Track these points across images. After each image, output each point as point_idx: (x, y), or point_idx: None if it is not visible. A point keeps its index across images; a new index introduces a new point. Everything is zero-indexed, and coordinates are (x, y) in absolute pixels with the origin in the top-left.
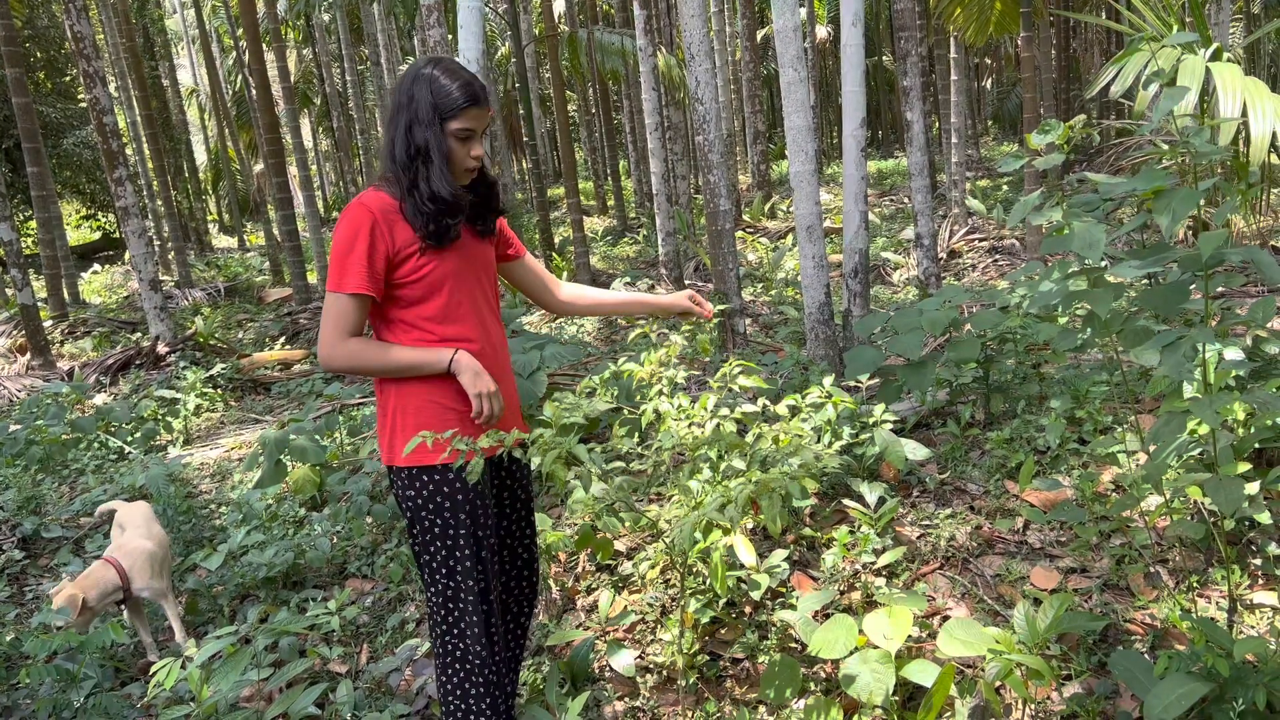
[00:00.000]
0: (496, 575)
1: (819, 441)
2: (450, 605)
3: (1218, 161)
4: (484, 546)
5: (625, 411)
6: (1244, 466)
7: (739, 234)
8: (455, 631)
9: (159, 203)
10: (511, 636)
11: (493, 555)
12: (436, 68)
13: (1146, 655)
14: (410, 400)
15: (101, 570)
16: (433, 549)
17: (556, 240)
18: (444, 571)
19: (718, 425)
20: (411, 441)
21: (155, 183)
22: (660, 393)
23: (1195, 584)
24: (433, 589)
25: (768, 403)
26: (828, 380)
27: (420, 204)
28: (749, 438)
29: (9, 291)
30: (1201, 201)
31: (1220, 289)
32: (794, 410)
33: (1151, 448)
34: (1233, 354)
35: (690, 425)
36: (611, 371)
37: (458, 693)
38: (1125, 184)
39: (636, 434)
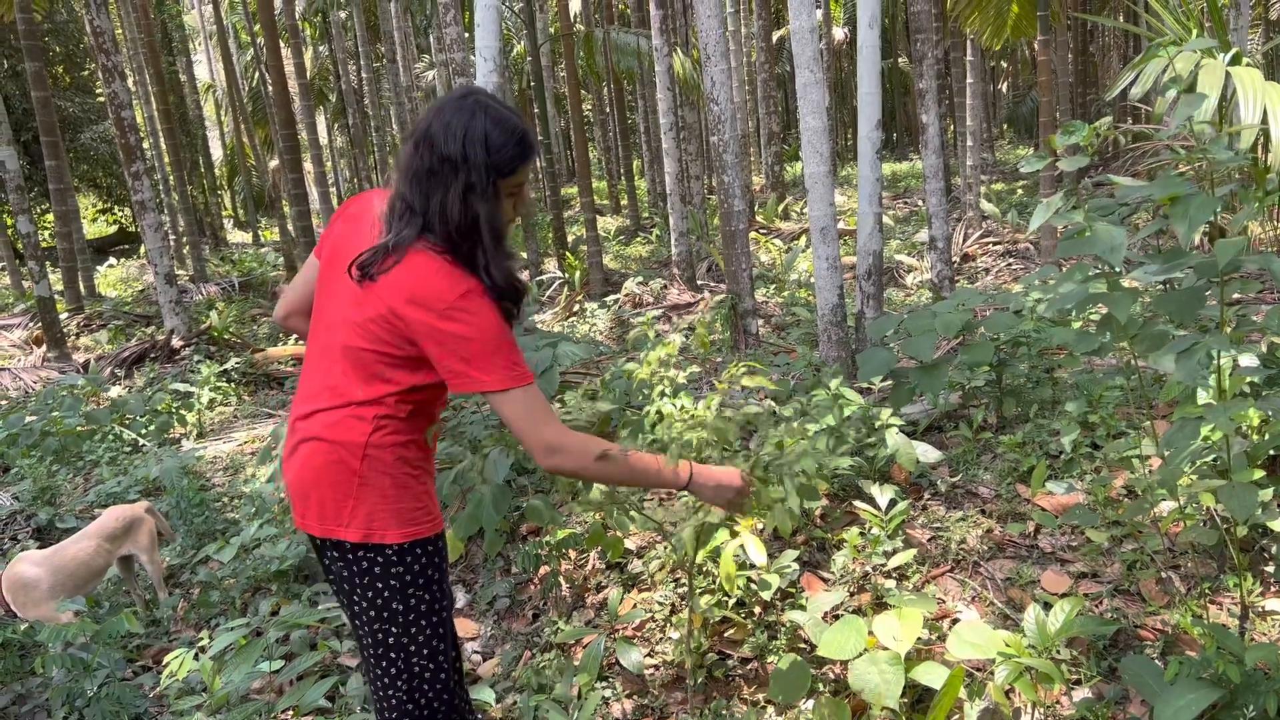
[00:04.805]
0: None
1: (825, 444)
2: (425, 689)
3: (1235, 167)
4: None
5: (628, 412)
6: (1258, 473)
7: (752, 235)
8: (427, 714)
9: (175, 197)
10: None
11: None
12: (488, 117)
13: (1157, 661)
14: (389, 468)
15: None
16: (414, 629)
17: (570, 239)
18: (425, 653)
19: (717, 422)
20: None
21: (171, 177)
22: (662, 393)
23: (1207, 590)
24: (402, 678)
25: (774, 404)
26: (835, 382)
27: (480, 279)
28: (754, 443)
29: (26, 284)
30: (1218, 207)
31: (1236, 295)
32: (801, 412)
33: (1165, 453)
34: (1247, 360)
35: (693, 426)
36: (612, 373)
37: None
38: (1143, 188)
39: (640, 435)
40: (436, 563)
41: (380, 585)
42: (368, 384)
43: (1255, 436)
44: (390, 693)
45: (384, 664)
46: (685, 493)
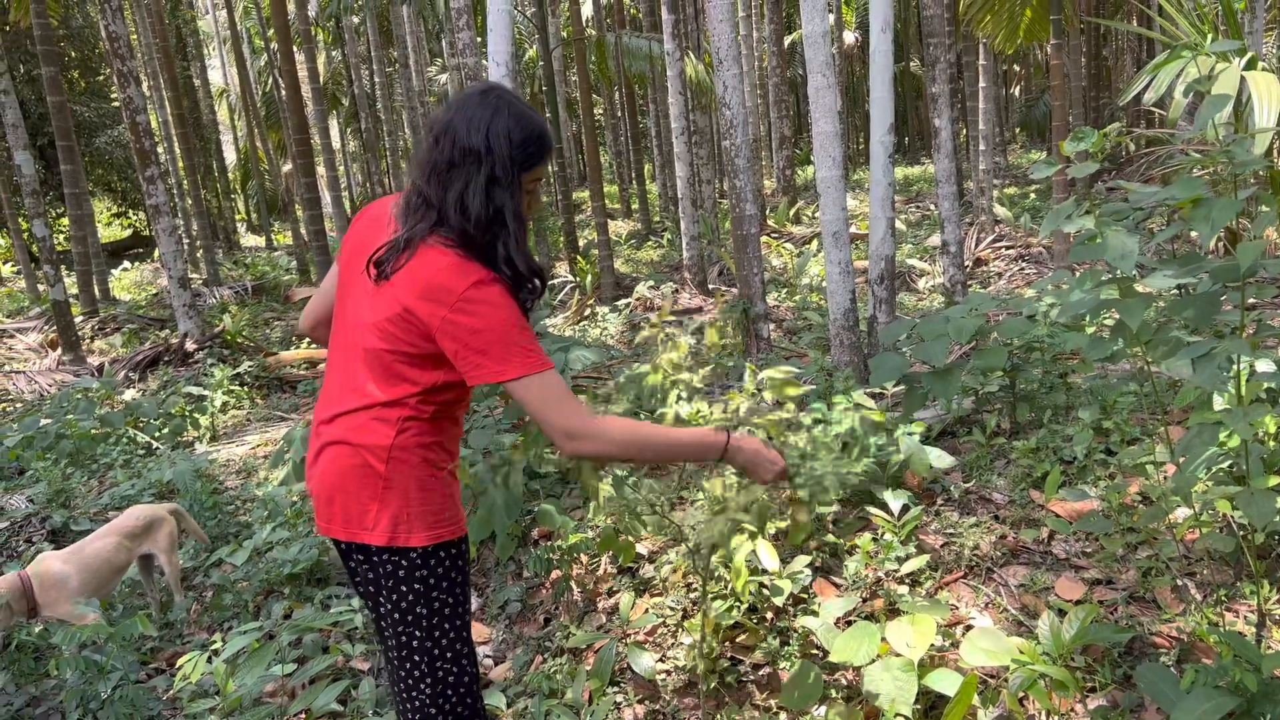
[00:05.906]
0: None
1: (853, 455)
2: (449, 693)
3: (1251, 171)
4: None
5: (642, 416)
6: (1275, 480)
7: (764, 239)
8: (451, 719)
9: (189, 201)
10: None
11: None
12: (510, 113)
13: (1173, 669)
14: (414, 470)
15: (5, 583)
16: (437, 633)
17: (581, 243)
18: (449, 656)
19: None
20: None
21: (185, 181)
22: (679, 397)
23: (1223, 598)
24: (425, 682)
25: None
26: (858, 395)
27: (499, 271)
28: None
29: (41, 287)
30: (1240, 210)
31: (1251, 300)
32: (820, 421)
33: (1181, 459)
34: (1264, 366)
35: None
36: (626, 376)
37: None
38: (1161, 192)
39: None
40: (460, 565)
41: (405, 589)
42: (389, 385)
43: (1271, 443)
44: (414, 694)
45: (408, 667)
46: (720, 461)
